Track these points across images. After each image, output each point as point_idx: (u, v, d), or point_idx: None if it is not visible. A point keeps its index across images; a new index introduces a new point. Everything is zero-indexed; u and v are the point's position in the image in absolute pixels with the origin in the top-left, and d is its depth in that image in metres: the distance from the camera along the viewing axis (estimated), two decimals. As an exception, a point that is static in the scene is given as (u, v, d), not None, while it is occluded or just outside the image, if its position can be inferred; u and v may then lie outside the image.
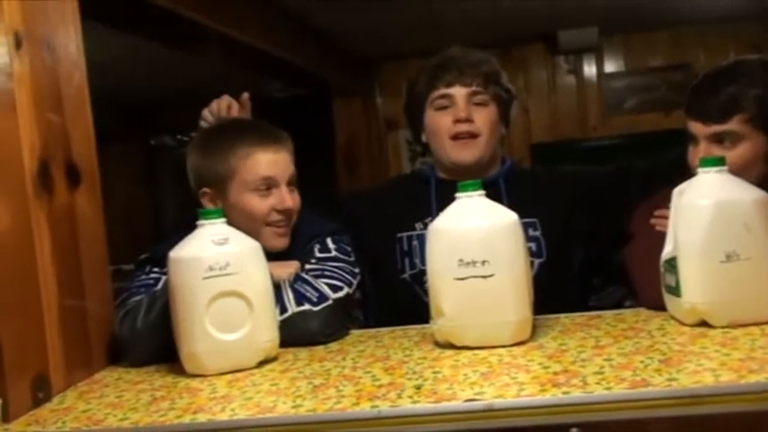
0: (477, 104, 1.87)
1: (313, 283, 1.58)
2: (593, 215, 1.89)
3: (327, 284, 1.59)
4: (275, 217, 1.64)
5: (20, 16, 1.37)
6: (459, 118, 1.86)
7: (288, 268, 1.59)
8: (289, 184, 1.67)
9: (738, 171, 1.54)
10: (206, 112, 1.83)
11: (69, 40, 1.50)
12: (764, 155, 1.58)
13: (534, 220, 1.85)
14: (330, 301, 1.56)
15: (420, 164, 2.05)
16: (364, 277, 1.84)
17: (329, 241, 1.70)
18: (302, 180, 2.02)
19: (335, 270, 1.65)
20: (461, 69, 1.87)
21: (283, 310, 1.52)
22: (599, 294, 2.65)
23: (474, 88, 1.87)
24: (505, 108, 1.94)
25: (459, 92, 1.87)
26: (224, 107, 1.82)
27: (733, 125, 1.56)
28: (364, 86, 5.40)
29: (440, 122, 1.89)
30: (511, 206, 1.46)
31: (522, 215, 1.76)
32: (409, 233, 1.89)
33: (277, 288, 1.53)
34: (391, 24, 4.56)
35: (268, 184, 1.63)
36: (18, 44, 1.36)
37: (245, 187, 1.63)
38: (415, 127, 1.98)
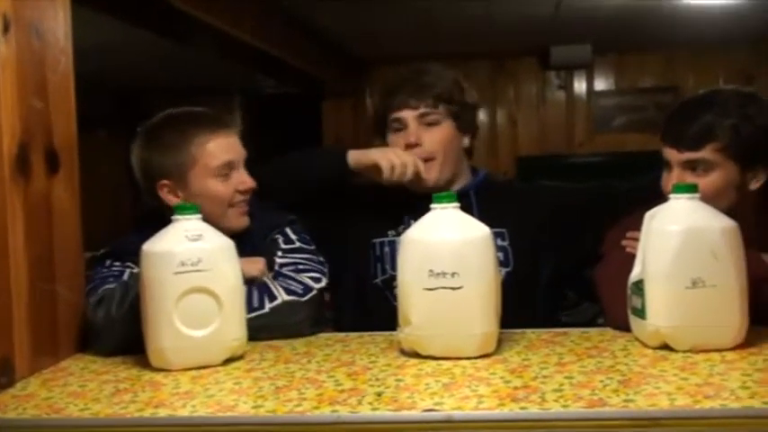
0: (429, 125, 1.87)
1: (295, 277, 1.65)
2: (567, 230, 1.91)
3: (309, 277, 1.66)
4: (238, 198, 1.69)
5: (9, 0, 1.37)
6: (408, 143, 1.86)
7: (256, 264, 1.63)
8: (243, 166, 1.72)
9: (710, 199, 1.56)
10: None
11: (58, 26, 1.50)
12: (735, 184, 1.60)
13: (503, 230, 1.87)
14: (315, 292, 1.64)
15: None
16: (340, 278, 1.87)
17: (290, 232, 1.75)
18: None
19: (308, 262, 1.71)
20: (410, 92, 1.87)
21: (273, 298, 1.58)
22: (572, 310, 2.67)
23: (422, 110, 1.86)
24: (466, 119, 1.94)
25: (407, 115, 1.87)
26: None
27: (706, 153, 1.58)
28: (356, 88, 5.41)
29: (395, 143, 1.89)
30: (481, 217, 1.47)
31: (490, 225, 1.78)
32: (382, 239, 1.91)
33: (254, 284, 1.59)
34: (387, 27, 4.58)
35: (228, 168, 1.68)
36: (6, 28, 1.36)
37: (208, 173, 1.66)
38: (384, 144, 1.98)
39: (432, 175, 1.86)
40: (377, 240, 1.92)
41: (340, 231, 1.93)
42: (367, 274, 1.92)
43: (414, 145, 1.85)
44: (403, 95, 1.87)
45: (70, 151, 1.53)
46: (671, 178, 1.60)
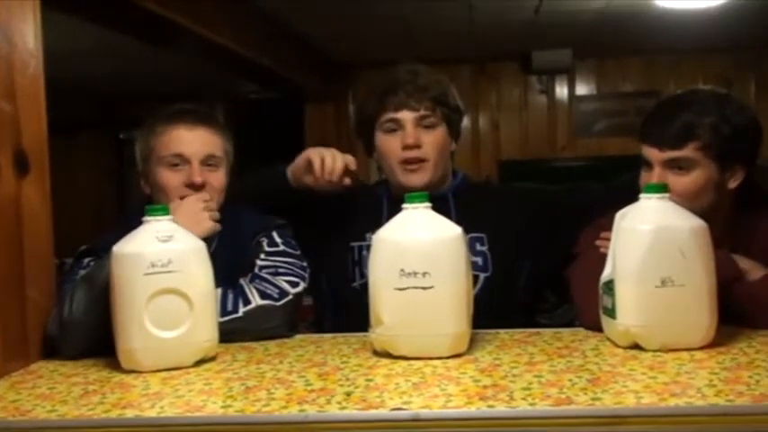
0: (426, 127, 1.87)
1: (272, 280, 1.64)
2: (544, 232, 1.92)
3: (285, 281, 1.65)
4: (185, 193, 1.67)
5: (-24, 2, 1.37)
6: (407, 144, 1.85)
7: (200, 224, 1.60)
8: (207, 162, 1.70)
9: (691, 197, 1.58)
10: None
11: (27, 29, 1.49)
12: (715, 182, 1.62)
13: (482, 234, 1.88)
14: (291, 296, 1.62)
15: (381, 175, 2.02)
16: (320, 280, 1.88)
17: (276, 235, 1.74)
18: None
19: (289, 266, 1.69)
20: (410, 93, 1.86)
21: (247, 302, 1.57)
22: (552, 313, 2.68)
23: (422, 112, 1.86)
24: (456, 124, 1.96)
25: (406, 116, 1.86)
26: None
27: (687, 152, 1.59)
28: (337, 92, 5.41)
29: (389, 146, 1.89)
30: (459, 221, 1.48)
31: (470, 229, 1.79)
32: (360, 243, 1.90)
33: (232, 286, 1.59)
34: (367, 32, 4.59)
35: (180, 160, 1.67)
36: (-28, 30, 1.35)
37: (160, 163, 1.68)
38: (366, 146, 1.98)
39: (425, 176, 1.86)
40: (355, 244, 1.91)
41: (318, 235, 1.93)
42: (345, 278, 1.91)
43: (413, 146, 1.85)
44: (402, 96, 1.86)
45: (40, 154, 1.52)
46: (650, 177, 1.60)
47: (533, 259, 1.92)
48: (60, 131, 1.57)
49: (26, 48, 1.49)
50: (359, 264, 1.90)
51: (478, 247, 1.87)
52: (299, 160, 1.82)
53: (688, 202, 1.57)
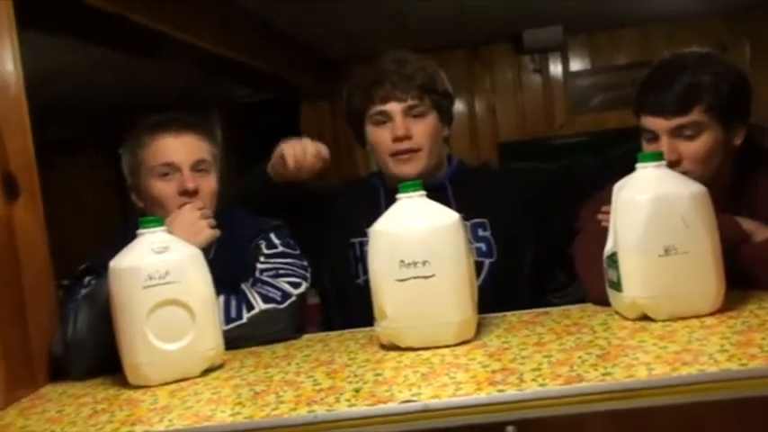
0: (416, 116, 1.85)
1: (273, 283, 1.63)
2: (544, 211, 1.89)
3: (287, 282, 1.64)
4: (180, 201, 1.64)
5: (-49, 28, 1.35)
6: (397, 136, 1.83)
7: (198, 234, 1.59)
8: (198, 168, 1.68)
9: (702, 161, 1.56)
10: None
11: (4, 51, 1.48)
12: (722, 143, 1.59)
13: (484, 220, 1.86)
14: (294, 298, 1.61)
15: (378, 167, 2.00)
16: (323, 278, 1.86)
17: (273, 237, 1.73)
18: None
19: (289, 267, 1.68)
20: (395, 84, 1.83)
21: (250, 307, 1.56)
22: (563, 291, 2.66)
23: (410, 102, 1.83)
24: (447, 109, 1.93)
25: (394, 108, 1.84)
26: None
27: (694, 116, 1.56)
28: (331, 89, 5.39)
29: (379, 138, 1.86)
30: (459, 208, 1.46)
31: (471, 216, 1.77)
32: (361, 239, 1.87)
33: (234, 292, 1.58)
34: (357, 26, 4.56)
35: (170, 169, 1.66)
36: (-51, 56, 1.34)
37: (151, 174, 1.67)
38: (358, 138, 1.96)
39: (418, 165, 1.84)
40: (356, 240, 1.88)
41: (318, 233, 1.91)
42: (348, 274, 1.89)
43: (403, 138, 1.83)
44: (388, 87, 1.83)
45: (29, 175, 1.51)
46: (659, 148, 1.56)
47: (536, 239, 1.90)
48: (62, 151, 1.56)
49: (4, 69, 1.48)
50: (361, 260, 1.87)
51: (481, 232, 1.85)
52: (275, 157, 1.82)
53: (700, 166, 1.56)
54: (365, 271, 1.82)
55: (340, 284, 1.92)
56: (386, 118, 1.85)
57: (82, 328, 1.45)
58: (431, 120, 1.87)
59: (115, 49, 3.31)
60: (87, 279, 1.63)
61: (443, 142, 1.94)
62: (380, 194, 1.90)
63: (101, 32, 2.91)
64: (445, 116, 1.92)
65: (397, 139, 1.83)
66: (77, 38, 3.00)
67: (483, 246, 1.84)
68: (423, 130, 1.85)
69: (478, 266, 1.80)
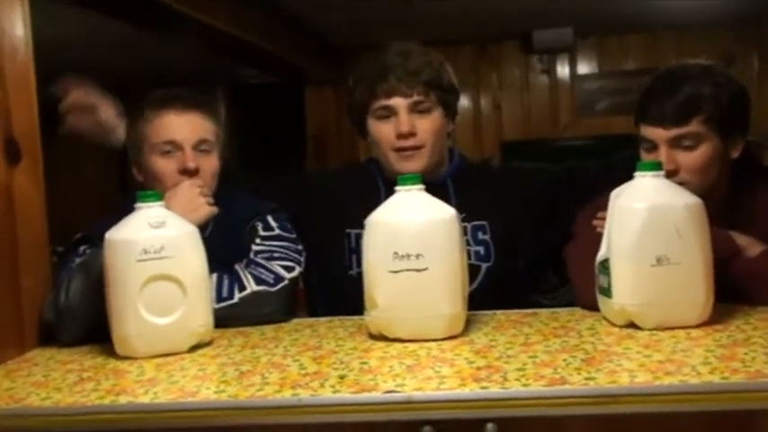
0: (421, 112, 1.80)
1: (267, 265, 1.63)
2: (545, 212, 1.88)
3: (281, 266, 1.64)
4: (180, 180, 1.64)
5: (-38, -10, 1.36)
6: (401, 132, 1.78)
7: (197, 211, 1.59)
8: (200, 148, 1.68)
9: (700, 172, 1.57)
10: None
11: (16, 16, 1.49)
12: (720, 155, 1.60)
13: (484, 222, 1.83)
14: (286, 281, 1.62)
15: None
16: (310, 269, 1.83)
17: (270, 219, 1.74)
18: (273, 167, 1.98)
19: (284, 250, 1.69)
20: (400, 78, 1.77)
21: (242, 288, 1.56)
22: (554, 293, 2.67)
23: (415, 98, 1.78)
24: (452, 105, 1.89)
25: (399, 103, 1.78)
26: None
27: (693, 126, 1.57)
28: (337, 75, 5.38)
29: (382, 133, 1.81)
30: (460, 207, 1.45)
31: (471, 217, 1.76)
32: (357, 231, 1.80)
33: (228, 272, 1.59)
34: (366, 14, 4.55)
35: (172, 147, 1.66)
36: (-41, 18, 1.35)
37: (153, 150, 1.67)
38: (359, 130, 1.92)
39: (421, 162, 1.80)
40: (352, 231, 1.84)
41: (311, 221, 1.87)
42: (341, 264, 1.86)
43: (407, 134, 1.78)
44: (393, 82, 1.77)
45: (32, 141, 1.51)
46: (658, 158, 1.57)
47: (536, 240, 1.88)
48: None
49: (15, 34, 1.48)
50: (356, 252, 1.82)
51: (480, 236, 1.82)
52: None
53: (698, 177, 1.57)
54: (359, 263, 1.75)
55: (332, 274, 1.89)
56: (389, 113, 1.80)
57: (74, 296, 1.46)
58: (436, 116, 1.82)
59: (124, 21, 3.31)
60: (83, 248, 1.63)
61: (447, 137, 1.90)
62: (380, 187, 1.88)
63: (111, 4, 2.91)
64: (450, 111, 1.88)
65: (401, 136, 1.79)
66: (88, 8, 3.00)
67: (481, 249, 1.82)
68: (427, 126, 1.80)
69: (475, 270, 1.78)
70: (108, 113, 1.83)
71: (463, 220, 1.44)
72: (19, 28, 1.49)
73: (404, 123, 1.78)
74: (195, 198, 1.62)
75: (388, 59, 1.81)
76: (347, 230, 1.86)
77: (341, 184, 1.95)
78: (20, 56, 1.49)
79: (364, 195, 1.80)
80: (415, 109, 1.80)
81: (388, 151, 1.82)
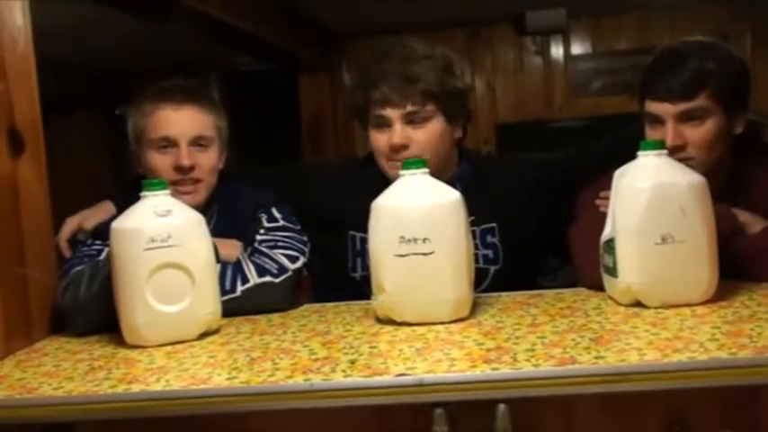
0: (416, 122, 1.71)
1: (270, 254, 1.62)
2: (550, 205, 1.84)
3: (284, 255, 1.63)
4: (176, 176, 1.65)
5: (-39, -19, 1.35)
6: (392, 145, 1.71)
7: (234, 249, 1.62)
8: (197, 143, 1.67)
9: (707, 147, 1.58)
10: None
11: (14, 6, 1.48)
12: (725, 131, 1.61)
13: (493, 225, 1.80)
14: (290, 272, 1.60)
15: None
16: (313, 263, 1.81)
17: (275, 211, 1.74)
18: (268, 154, 1.96)
19: (288, 240, 1.68)
20: (394, 88, 1.68)
21: (245, 280, 1.55)
22: (554, 275, 2.69)
23: (409, 109, 1.69)
24: (459, 109, 1.78)
25: (392, 114, 1.70)
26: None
27: (701, 101, 1.58)
28: (331, 62, 5.37)
29: (378, 142, 1.75)
30: (468, 212, 1.42)
31: (480, 220, 1.72)
32: (362, 235, 1.72)
33: (230, 263, 1.58)
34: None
35: (168, 143, 1.66)
36: (-42, 10, 1.34)
37: (150, 144, 1.67)
38: (366, 130, 1.83)
39: None
40: (357, 234, 1.80)
41: (313, 218, 1.82)
42: (344, 264, 1.83)
43: (400, 147, 1.71)
44: (386, 90, 1.69)
45: (34, 132, 1.51)
46: (664, 133, 1.58)
47: (540, 235, 1.85)
48: (56, 111, 1.56)
49: (15, 25, 1.47)
50: (361, 255, 1.80)
51: (489, 239, 1.79)
52: None
53: (704, 152, 1.58)
54: (364, 266, 1.76)
55: (332, 273, 1.86)
56: (384, 122, 1.73)
57: (98, 290, 1.45)
58: (435, 125, 1.73)
59: (117, 8, 3.29)
60: (90, 241, 1.64)
61: (454, 142, 1.81)
62: (383, 188, 1.80)
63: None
64: (456, 117, 1.77)
65: (393, 148, 1.71)
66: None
67: (490, 253, 1.79)
68: (424, 137, 1.72)
69: (483, 274, 1.75)
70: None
71: (472, 223, 1.42)
72: (18, 18, 1.48)
73: (396, 135, 1.70)
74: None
75: (386, 66, 1.72)
76: (351, 232, 1.82)
77: (343, 182, 1.89)
78: (20, 46, 1.48)
79: (368, 197, 1.61)
80: (409, 120, 1.71)
81: (383, 160, 1.76)
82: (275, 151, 5.54)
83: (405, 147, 1.71)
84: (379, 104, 1.71)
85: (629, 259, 1.39)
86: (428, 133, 1.72)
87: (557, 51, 5.43)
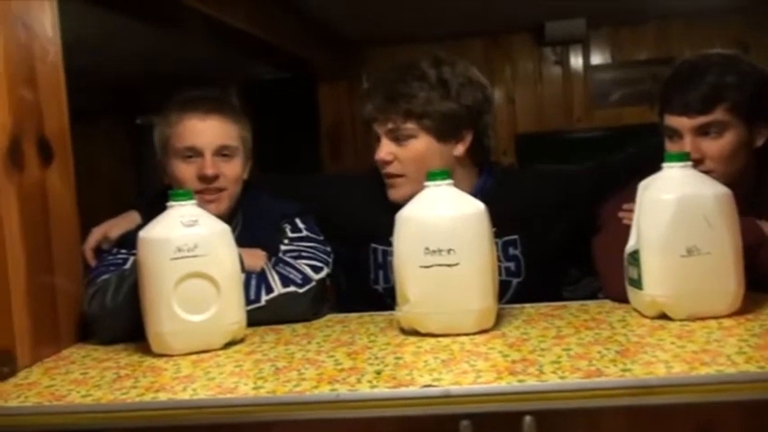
0: (399, 139, 1.74)
1: (295, 264, 1.63)
2: (572, 220, 1.83)
3: (308, 265, 1.64)
4: (200, 186, 1.66)
5: (-7, -8, 1.37)
6: (378, 158, 1.76)
7: (259, 259, 1.63)
8: (221, 153, 1.69)
9: (725, 161, 1.58)
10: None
11: (44, 17, 1.50)
12: (745, 143, 1.61)
13: (515, 237, 1.80)
14: (314, 283, 1.61)
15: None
16: (337, 274, 1.81)
17: (299, 221, 1.74)
18: (288, 163, 1.97)
19: (312, 250, 1.69)
20: (378, 106, 1.74)
21: (269, 290, 1.56)
22: (575, 285, 2.68)
23: (389, 126, 1.73)
24: (456, 126, 1.76)
25: (379, 129, 1.76)
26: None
27: (718, 115, 1.58)
28: (350, 71, 5.38)
29: (375, 155, 1.79)
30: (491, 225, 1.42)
31: (502, 233, 1.72)
32: (385, 248, 1.80)
33: (255, 273, 1.59)
34: (379, 9, 4.55)
35: (193, 152, 1.67)
36: (-8, 20, 1.36)
37: (175, 154, 1.69)
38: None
39: (400, 191, 1.74)
40: (379, 247, 1.82)
41: (336, 229, 1.82)
42: (366, 277, 1.85)
43: (383, 163, 1.75)
44: (370, 107, 1.75)
45: (63, 141, 1.53)
46: (681, 146, 1.58)
47: (562, 247, 1.85)
48: (79, 120, 1.57)
49: (45, 35, 1.49)
50: (383, 267, 1.81)
51: (511, 251, 1.80)
52: None
53: (723, 165, 1.58)
54: (386, 280, 1.79)
55: (355, 285, 1.88)
56: (377, 137, 1.77)
57: (124, 299, 1.46)
58: (420, 143, 1.74)
59: (136, 18, 3.32)
60: (115, 250, 1.65)
61: (456, 160, 1.78)
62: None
63: (124, 2, 2.92)
64: (448, 136, 1.76)
65: (380, 162, 1.75)
66: (98, 5, 3.01)
67: (512, 265, 1.79)
68: (407, 155, 1.74)
69: (505, 286, 1.75)
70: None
71: (494, 235, 1.42)
72: (49, 29, 1.50)
73: (380, 150, 1.76)
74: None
75: (377, 83, 1.79)
76: (373, 245, 1.83)
77: (365, 195, 1.89)
78: (50, 57, 1.50)
79: (390, 210, 1.56)
80: (393, 136, 1.75)
81: (381, 174, 1.79)
82: (294, 160, 5.56)
83: (386, 162, 1.76)
84: (369, 120, 1.78)
85: (654, 271, 1.38)
86: (410, 151, 1.75)
87: (576, 61, 5.42)
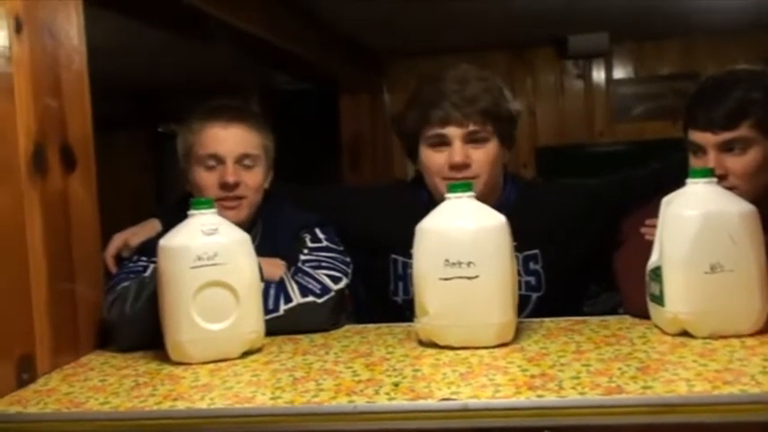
0: (476, 142, 1.73)
1: (314, 274, 1.63)
2: (594, 233, 1.82)
3: (328, 276, 1.64)
4: (221, 193, 1.66)
5: (21, 0, 1.38)
6: (454, 163, 1.72)
7: (278, 268, 1.63)
8: (243, 162, 1.69)
9: (749, 177, 1.56)
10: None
11: (70, 25, 1.51)
12: None
13: (536, 251, 1.80)
14: (333, 293, 1.61)
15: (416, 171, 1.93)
16: (356, 285, 1.82)
17: (318, 231, 1.74)
18: (307, 174, 1.98)
19: (331, 261, 1.69)
20: (456, 106, 1.71)
21: (288, 299, 1.56)
22: (594, 300, 2.66)
23: (471, 128, 1.72)
24: (508, 135, 1.81)
25: (454, 132, 1.72)
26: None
27: (743, 131, 1.57)
28: (372, 83, 5.40)
29: (434, 162, 1.75)
30: (513, 236, 1.41)
31: (523, 246, 1.71)
32: (405, 259, 1.79)
33: (274, 282, 1.59)
34: (402, 20, 4.56)
35: (215, 160, 1.68)
36: (18, 28, 1.37)
37: (197, 162, 1.70)
38: (409, 154, 1.86)
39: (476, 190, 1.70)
40: (399, 258, 1.82)
41: (356, 241, 1.81)
42: (386, 288, 1.84)
43: (461, 165, 1.72)
44: (448, 109, 1.71)
45: (86, 148, 1.54)
46: (706, 162, 1.57)
47: (583, 261, 1.83)
48: (100, 129, 1.58)
49: (71, 44, 1.50)
50: (403, 279, 1.80)
51: (532, 265, 1.79)
52: None
53: (747, 182, 1.56)
54: (406, 291, 1.78)
55: (374, 296, 1.88)
56: (443, 141, 1.74)
57: (143, 306, 1.47)
58: (492, 147, 1.75)
59: (158, 28, 3.35)
60: (135, 258, 1.66)
61: (502, 167, 1.83)
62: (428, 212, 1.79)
63: (145, 10, 2.95)
64: (508, 140, 1.80)
65: (454, 167, 1.72)
66: (124, 15, 3.04)
67: (532, 280, 1.78)
68: (483, 157, 1.74)
69: (525, 301, 1.74)
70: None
71: (515, 249, 1.41)
72: (75, 38, 1.51)
73: (458, 154, 1.72)
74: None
75: (445, 86, 1.74)
76: (393, 256, 1.83)
77: (387, 206, 1.89)
78: (75, 64, 1.51)
79: (411, 221, 1.53)
80: (469, 139, 1.74)
81: (437, 179, 1.76)
82: (313, 171, 5.58)
83: (466, 165, 1.73)
84: (439, 123, 1.73)
85: (676, 288, 1.37)
86: (487, 153, 1.75)
87: (598, 75, 5.41)
